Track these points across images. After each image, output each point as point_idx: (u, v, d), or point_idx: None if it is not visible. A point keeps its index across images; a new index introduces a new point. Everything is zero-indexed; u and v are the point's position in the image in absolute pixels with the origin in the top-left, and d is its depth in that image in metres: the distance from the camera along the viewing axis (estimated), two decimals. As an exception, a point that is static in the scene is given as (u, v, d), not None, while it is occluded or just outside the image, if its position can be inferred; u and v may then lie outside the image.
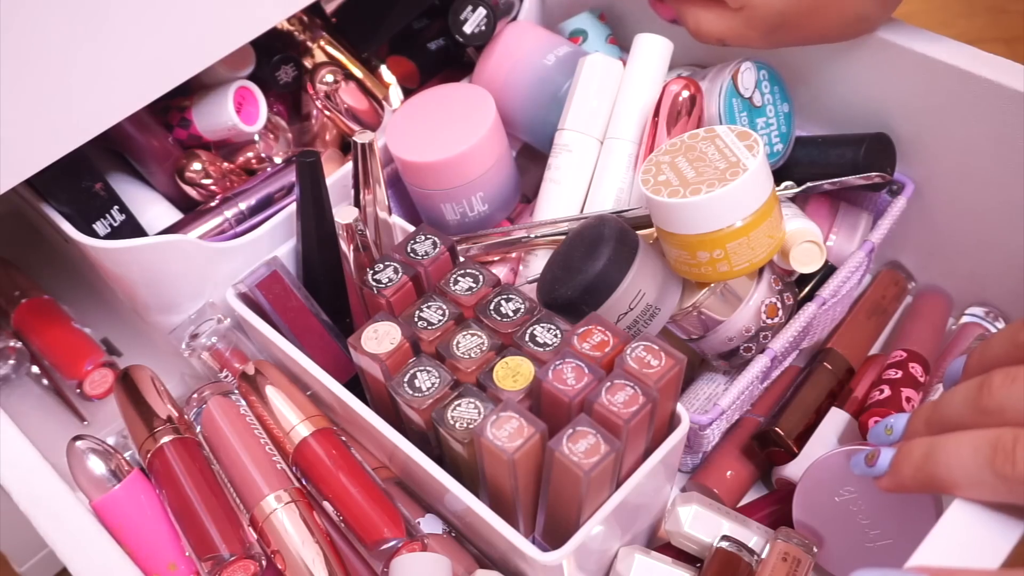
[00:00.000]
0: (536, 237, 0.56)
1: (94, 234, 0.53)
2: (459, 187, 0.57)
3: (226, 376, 0.54)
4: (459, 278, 0.48)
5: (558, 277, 0.48)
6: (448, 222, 0.59)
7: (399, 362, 0.44)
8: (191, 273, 0.53)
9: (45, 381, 0.63)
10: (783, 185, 0.54)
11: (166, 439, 0.46)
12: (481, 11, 0.60)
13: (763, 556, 0.47)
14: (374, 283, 0.48)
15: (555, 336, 0.44)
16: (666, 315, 0.49)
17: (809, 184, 0.54)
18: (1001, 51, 0.52)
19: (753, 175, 0.45)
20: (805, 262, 0.50)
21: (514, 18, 0.65)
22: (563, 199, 0.58)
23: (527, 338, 0.44)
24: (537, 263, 0.57)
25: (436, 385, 0.43)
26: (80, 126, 0.45)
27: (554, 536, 0.43)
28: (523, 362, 0.43)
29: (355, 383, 0.49)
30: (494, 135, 0.57)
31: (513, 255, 0.60)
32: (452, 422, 0.42)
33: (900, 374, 0.54)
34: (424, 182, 0.57)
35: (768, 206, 0.46)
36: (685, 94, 0.53)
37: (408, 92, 0.66)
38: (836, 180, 0.54)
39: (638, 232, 0.50)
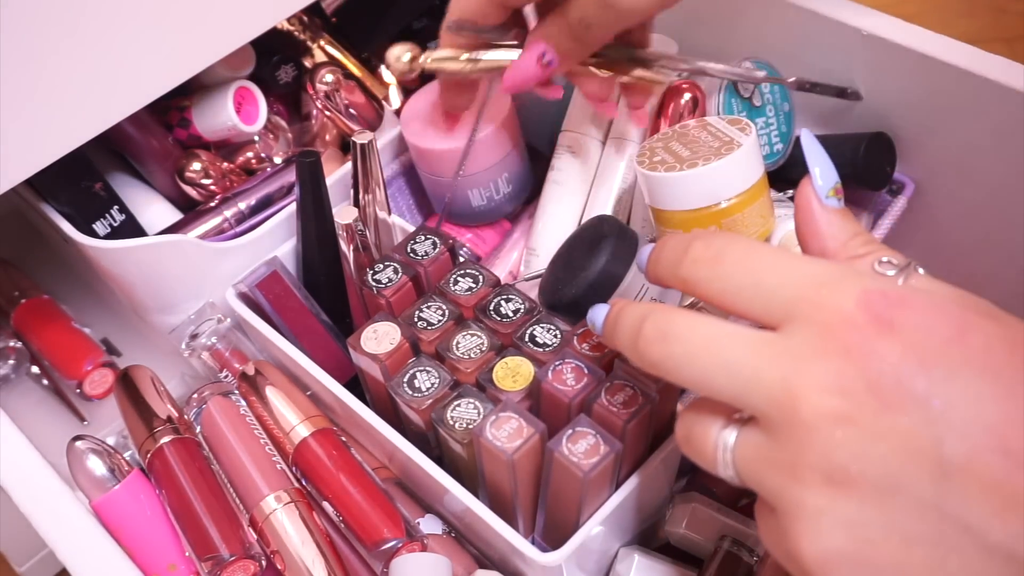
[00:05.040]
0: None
1: (94, 234, 0.53)
2: (486, 169, 0.57)
3: (226, 376, 0.54)
4: (459, 278, 0.48)
5: (560, 277, 0.48)
6: (475, 208, 0.59)
7: (399, 362, 0.44)
8: (191, 273, 0.53)
9: (45, 381, 0.63)
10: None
11: (166, 439, 0.46)
12: (481, 11, 0.60)
13: (763, 556, 0.47)
14: (374, 283, 0.48)
15: (555, 336, 0.44)
16: None
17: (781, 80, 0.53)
18: (1001, 51, 0.52)
19: (747, 150, 0.45)
20: (805, 262, 0.50)
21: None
22: (565, 199, 0.58)
23: (527, 338, 0.44)
24: (538, 263, 0.57)
25: (436, 385, 0.43)
26: (80, 126, 0.45)
27: (554, 536, 0.43)
28: (523, 362, 0.43)
29: (355, 383, 0.49)
30: (512, 114, 0.57)
31: (514, 256, 0.60)
32: (452, 422, 0.42)
33: (900, 374, 0.54)
34: (450, 170, 0.57)
35: (761, 184, 0.46)
36: (687, 97, 0.53)
37: (408, 92, 0.66)
38: (800, 81, 0.53)
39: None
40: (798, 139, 0.58)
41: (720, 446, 0.30)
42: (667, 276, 0.33)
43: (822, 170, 0.34)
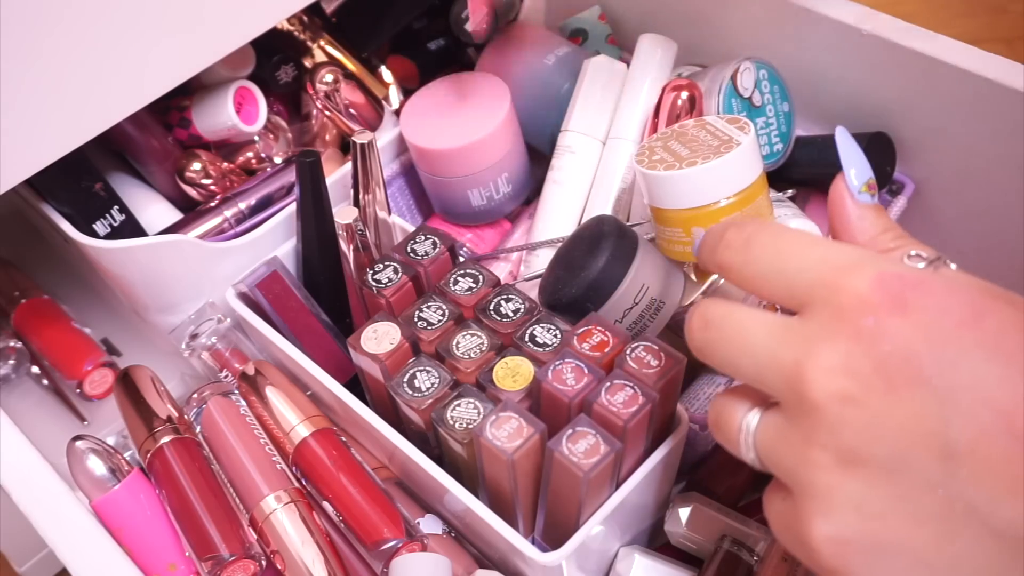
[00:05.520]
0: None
1: (94, 234, 0.53)
2: (486, 169, 0.57)
3: (226, 376, 0.54)
4: (459, 278, 0.48)
5: (561, 277, 0.48)
6: (474, 208, 0.59)
7: (399, 362, 0.44)
8: (190, 273, 0.53)
9: (45, 381, 0.63)
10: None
11: (166, 439, 0.46)
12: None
13: (763, 556, 0.47)
14: (374, 283, 0.48)
15: (555, 336, 0.44)
16: (671, 309, 0.49)
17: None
18: (1001, 51, 0.52)
19: (746, 149, 0.45)
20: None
21: (515, 18, 0.65)
22: (565, 200, 0.58)
23: (527, 338, 0.44)
24: (538, 263, 0.57)
25: (436, 385, 0.43)
26: (80, 126, 0.45)
27: (554, 536, 0.43)
28: (523, 362, 0.43)
29: (355, 383, 0.49)
30: (512, 114, 0.57)
31: (513, 256, 0.60)
32: (452, 422, 0.42)
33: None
34: (450, 169, 0.57)
35: (760, 183, 0.46)
36: (684, 95, 0.53)
37: (408, 92, 0.66)
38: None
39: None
40: (799, 139, 0.58)
41: (743, 428, 0.31)
42: (707, 262, 0.34)
43: (856, 167, 0.34)
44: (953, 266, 0.30)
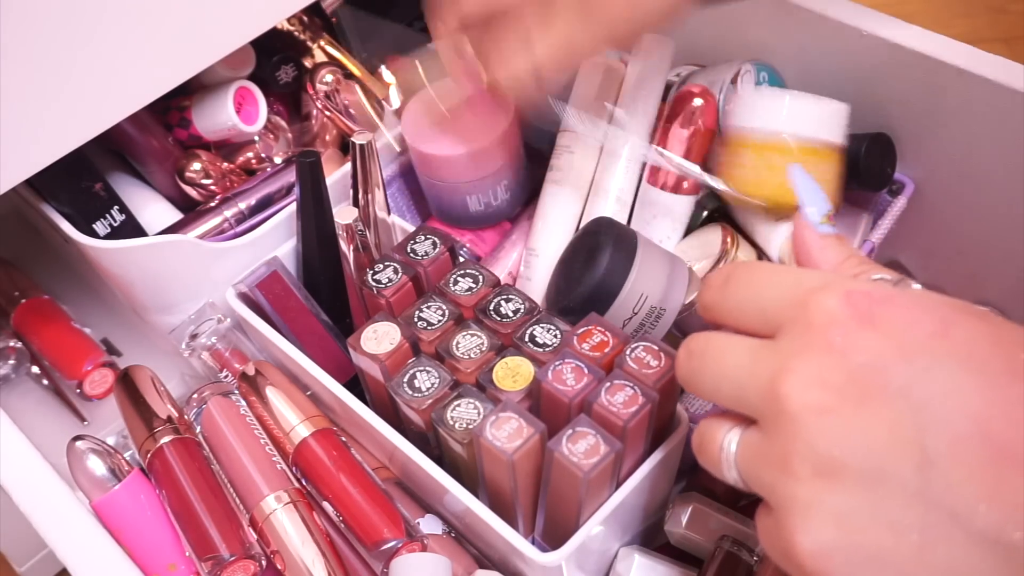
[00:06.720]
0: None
1: (94, 234, 0.53)
2: (486, 177, 0.56)
3: (226, 376, 0.54)
4: (459, 278, 0.48)
5: (561, 288, 0.48)
6: (472, 213, 0.59)
7: (399, 362, 0.44)
8: (190, 273, 0.53)
9: (45, 381, 0.63)
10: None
11: (166, 439, 0.46)
12: (481, 11, 0.60)
13: (763, 556, 0.47)
14: (374, 283, 0.48)
15: (555, 337, 0.44)
16: (672, 314, 0.49)
17: None
18: (1001, 51, 0.52)
19: (840, 109, 0.48)
20: (805, 262, 0.50)
21: (514, 18, 0.65)
22: (564, 201, 0.58)
23: (527, 339, 0.44)
24: (539, 263, 0.57)
25: (436, 385, 0.43)
26: (80, 126, 0.45)
27: (554, 536, 0.43)
28: (523, 362, 0.43)
29: (355, 383, 0.49)
30: (515, 124, 0.57)
31: (513, 256, 0.60)
32: (452, 422, 0.42)
33: (900, 374, 0.54)
34: (449, 175, 0.57)
35: (833, 156, 0.49)
36: (699, 102, 0.53)
37: (408, 92, 0.66)
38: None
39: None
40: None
41: (724, 448, 0.32)
42: (700, 309, 0.35)
43: (815, 204, 0.36)
44: (917, 286, 0.31)
